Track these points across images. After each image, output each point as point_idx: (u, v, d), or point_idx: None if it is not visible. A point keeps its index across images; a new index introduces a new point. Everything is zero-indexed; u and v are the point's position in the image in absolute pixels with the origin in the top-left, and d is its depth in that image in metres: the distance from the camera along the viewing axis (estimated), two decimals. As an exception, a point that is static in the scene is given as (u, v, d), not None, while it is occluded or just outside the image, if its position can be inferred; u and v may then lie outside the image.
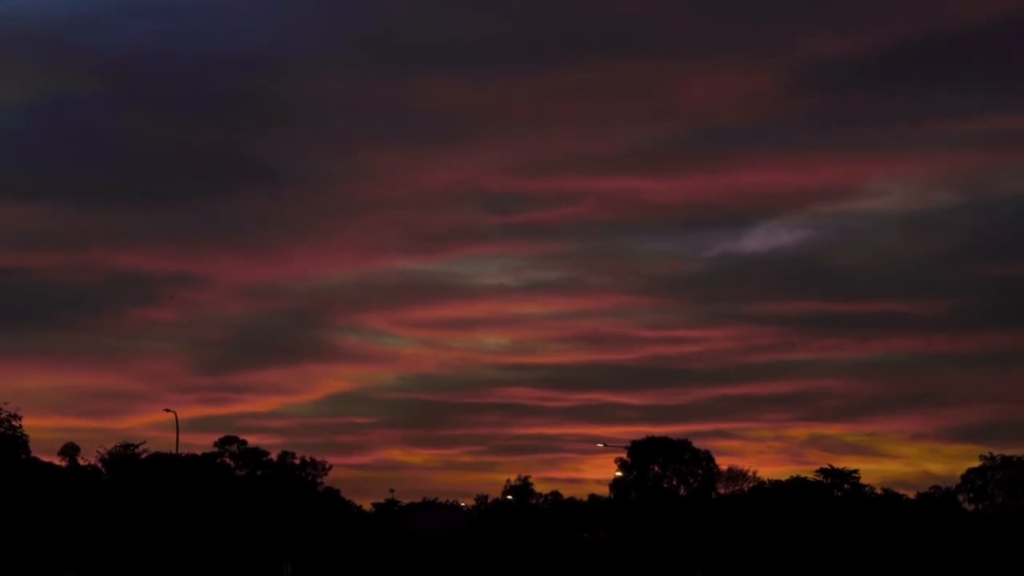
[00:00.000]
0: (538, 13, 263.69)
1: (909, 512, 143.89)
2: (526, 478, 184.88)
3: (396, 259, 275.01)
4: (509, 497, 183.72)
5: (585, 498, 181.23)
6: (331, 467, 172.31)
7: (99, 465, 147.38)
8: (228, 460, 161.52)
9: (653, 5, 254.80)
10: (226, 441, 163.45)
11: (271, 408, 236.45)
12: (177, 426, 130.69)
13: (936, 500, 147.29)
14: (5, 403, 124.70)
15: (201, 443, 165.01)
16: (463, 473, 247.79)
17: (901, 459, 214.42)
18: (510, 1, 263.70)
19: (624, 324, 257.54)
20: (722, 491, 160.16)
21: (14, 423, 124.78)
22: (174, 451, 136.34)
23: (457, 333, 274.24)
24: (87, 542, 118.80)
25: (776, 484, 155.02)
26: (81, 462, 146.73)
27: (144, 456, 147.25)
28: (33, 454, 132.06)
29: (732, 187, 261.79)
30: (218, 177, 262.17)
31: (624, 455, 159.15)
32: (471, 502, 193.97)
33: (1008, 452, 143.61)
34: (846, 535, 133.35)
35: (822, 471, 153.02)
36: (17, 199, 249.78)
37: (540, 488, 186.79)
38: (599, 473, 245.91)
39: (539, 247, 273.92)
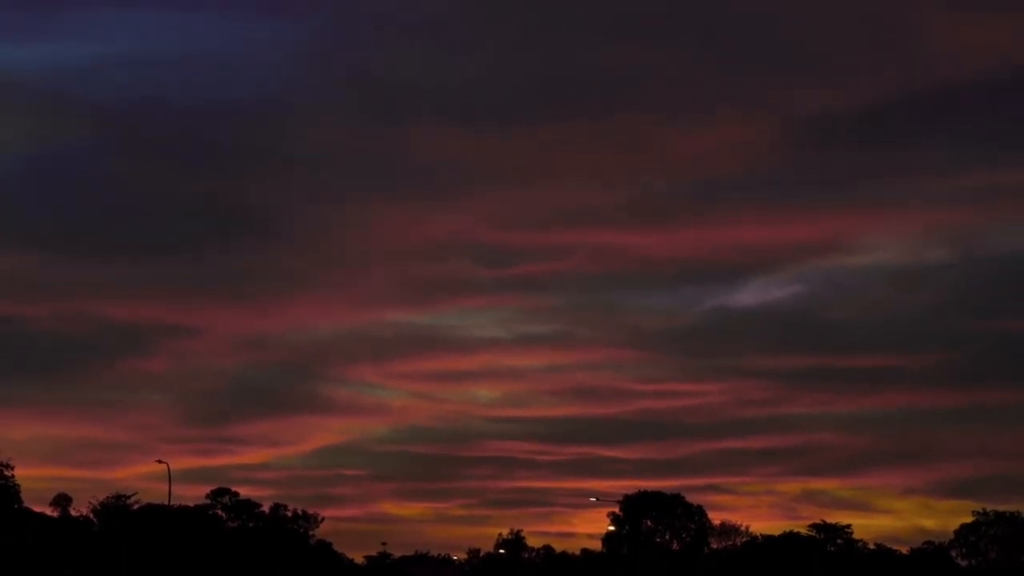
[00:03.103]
0: (532, 67, 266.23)
1: (902, 568, 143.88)
2: (518, 532, 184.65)
3: (388, 311, 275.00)
4: (501, 551, 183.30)
5: (577, 552, 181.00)
6: (323, 519, 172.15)
7: (91, 516, 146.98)
8: (220, 512, 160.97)
9: (647, 59, 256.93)
10: (218, 493, 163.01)
11: (263, 460, 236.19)
12: (169, 477, 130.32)
13: (929, 555, 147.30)
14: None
15: (193, 494, 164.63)
16: (455, 526, 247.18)
17: (893, 514, 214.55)
18: (504, 54, 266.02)
19: (616, 378, 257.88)
20: (715, 546, 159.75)
21: (6, 473, 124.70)
22: (166, 502, 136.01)
23: (449, 385, 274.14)
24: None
25: (769, 539, 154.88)
26: (73, 512, 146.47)
27: (136, 507, 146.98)
28: (25, 504, 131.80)
29: (725, 241, 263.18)
30: (211, 228, 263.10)
31: (617, 509, 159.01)
32: (463, 555, 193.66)
33: (1001, 508, 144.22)
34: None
35: (815, 526, 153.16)
36: (11, 248, 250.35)
37: (532, 542, 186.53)
38: (591, 527, 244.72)
39: (531, 300, 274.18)
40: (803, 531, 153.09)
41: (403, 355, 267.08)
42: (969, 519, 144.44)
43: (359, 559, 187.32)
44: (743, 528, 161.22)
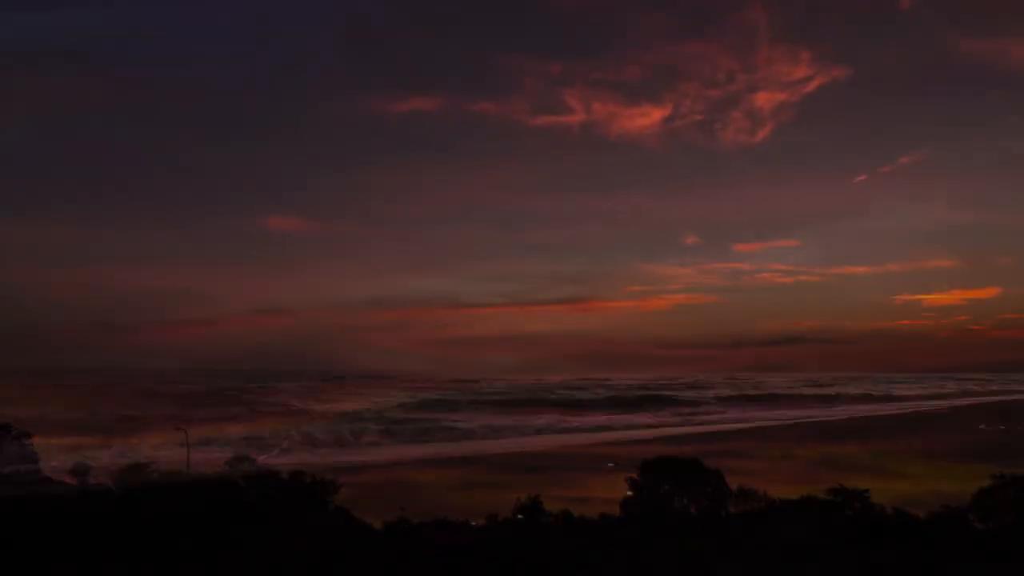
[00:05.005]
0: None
1: (919, 531, 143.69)
2: (536, 497, 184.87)
3: (407, 277, 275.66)
4: (519, 516, 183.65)
5: (596, 516, 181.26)
6: (342, 486, 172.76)
7: (109, 483, 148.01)
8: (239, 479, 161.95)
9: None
10: (237, 460, 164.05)
11: (283, 426, 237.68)
12: (188, 444, 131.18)
13: (946, 519, 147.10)
14: (15, 420, 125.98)
15: (212, 460, 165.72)
16: (474, 492, 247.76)
17: (911, 478, 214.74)
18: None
19: (636, 343, 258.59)
20: (732, 510, 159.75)
21: (24, 441, 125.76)
22: (185, 469, 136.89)
23: (469, 350, 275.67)
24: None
25: (786, 503, 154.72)
26: (92, 481, 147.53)
27: (154, 475, 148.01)
28: (44, 473, 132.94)
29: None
30: (229, 196, 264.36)
31: (635, 474, 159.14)
32: (482, 521, 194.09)
33: (1020, 471, 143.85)
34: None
35: (832, 490, 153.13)
36: (35, 216, 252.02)
37: (550, 506, 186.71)
38: (609, 492, 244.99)
39: (548, 266, 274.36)
40: (821, 495, 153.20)
41: (422, 320, 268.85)
42: (987, 483, 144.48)
43: (378, 525, 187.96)
44: (761, 493, 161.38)
